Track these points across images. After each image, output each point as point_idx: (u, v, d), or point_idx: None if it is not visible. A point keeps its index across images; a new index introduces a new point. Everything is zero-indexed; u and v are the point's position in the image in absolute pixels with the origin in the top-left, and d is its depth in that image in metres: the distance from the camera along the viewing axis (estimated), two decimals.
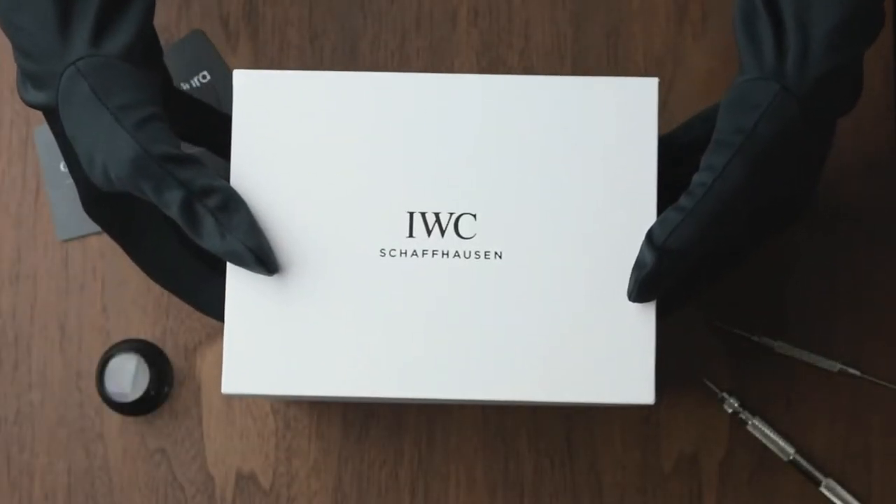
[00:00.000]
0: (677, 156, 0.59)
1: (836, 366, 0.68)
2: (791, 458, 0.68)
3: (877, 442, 0.68)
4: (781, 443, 0.68)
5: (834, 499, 0.67)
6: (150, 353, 0.69)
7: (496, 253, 0.54)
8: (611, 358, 0.54)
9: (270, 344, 0.55)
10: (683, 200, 0.52)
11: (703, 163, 0.53)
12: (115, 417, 0.69)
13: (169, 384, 0.69)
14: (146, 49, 0.57)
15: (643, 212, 0.54)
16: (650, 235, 0.52)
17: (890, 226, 0.70)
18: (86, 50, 0.53)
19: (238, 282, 0.55)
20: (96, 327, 0.70)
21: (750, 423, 0.68)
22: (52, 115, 0.55)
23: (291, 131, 0.55)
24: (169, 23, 0.72)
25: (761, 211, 0.55)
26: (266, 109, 0.56)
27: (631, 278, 0.53)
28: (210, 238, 0.52)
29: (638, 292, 0.53)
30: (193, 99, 0.63)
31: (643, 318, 0.54)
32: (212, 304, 0.57)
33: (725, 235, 0.53)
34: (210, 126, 0.63)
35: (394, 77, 0.56)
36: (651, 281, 0.52)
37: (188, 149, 0.69)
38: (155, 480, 0.69)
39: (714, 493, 0.68)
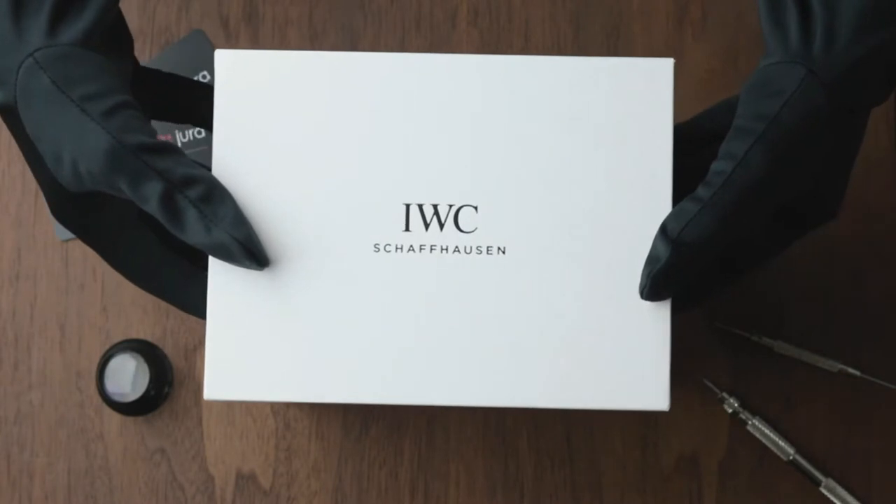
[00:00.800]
0: (697, 146, 0.54)
1: (836, 366, 0.67)
2: (791, 458, 0.66)
3: (877, 442, 0.67)
4: (781, 443, 0.66)
5: (834, 499, 0.66)
6: (150, 353, 0.68)
7: (499, 248, 0.50)
8: (622, 361, 0.50)
9: (256, 347, 0.50)
10: (700, 190, 0.48)
11: (721, 150, 0.49)
12: (115, 417, 0.68)
13: (169, 384, 0.69)
14: (110, 34, 0.52)
15: (658, 203, 0.50)
16: (664, 228, 0.48)
17: (890, 226, 0.69)
18: (43, 40, 0.49)
19: (220, 280, 0.50)
20: (96, 327, 0.69)
21: (750, 423, 0.67)
22: (10, 115, 0.50)
23: (278, 116, 0.51)
24: (169, 23, 0.71)
25: (784, 207, 0.51)
26: (251, 92, 0.51)
27: (643, 274, 0.49)
28: (194, 232, 0.48)
29: (650, 288, 0.49)
30: (171, 75, 0.58)
31: (657, 319, 0.50)
32: (198, 305, 0.52)
33: (745, 230, 0.49)
34: (194, 100, 0.57)
35: (389, 57, 0.51)
36: (664, 276, 0.48)
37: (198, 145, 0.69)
38: (155, 480, 0.68)
39: (714, 493, 0.67)
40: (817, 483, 0.67)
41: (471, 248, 0.50)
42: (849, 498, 0.66)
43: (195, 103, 0.56)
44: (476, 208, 0.50)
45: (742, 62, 0.70)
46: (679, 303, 0.51)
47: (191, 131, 0.71)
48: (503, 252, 0.50)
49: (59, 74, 0.48)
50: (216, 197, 0.48)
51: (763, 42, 0.51)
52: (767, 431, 0.67)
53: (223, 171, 0.50)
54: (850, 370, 0.67)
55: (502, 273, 0.50)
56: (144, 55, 0.70)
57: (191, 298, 0.53)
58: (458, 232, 0.50)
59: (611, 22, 0.71)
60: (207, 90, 0.53)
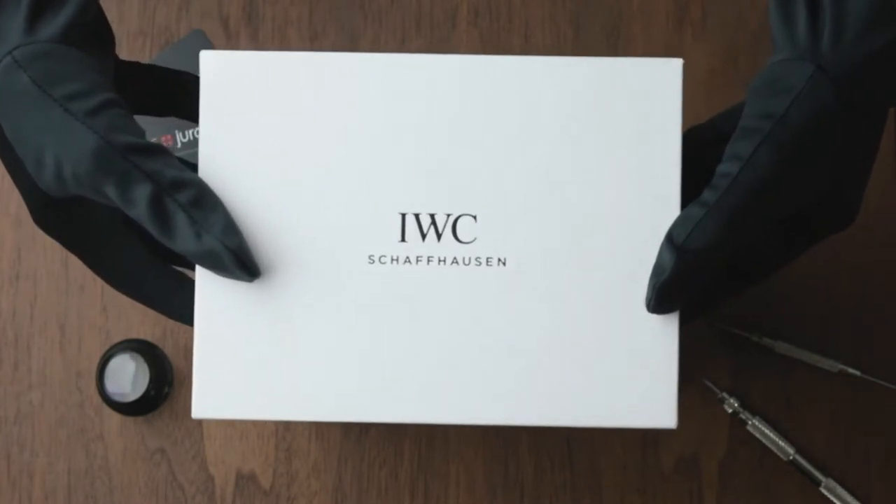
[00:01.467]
0: (713, 149, 0.50)
1: (836, 366, 0.66)
2: (791, 458, 0.65)
3: (877, 442, 0.66)
4: (781, 443, 0.66)
5: (834, 499, 0.65)
6: (150, 353, 0.66)
7: (499, 259, 0.47)
8: (627, 378, 0.47)
9: (246, 363, 0.47)
10: (706, 194, 0.45)
11: (727, 152, 0.46)
12: (115, 417, 0.68)
13: (169, 384, 0.68)
14: (90, 30, 0.49)
15: (666, 209, 0.47)
16: (670, 235, 0.45)
17: (890, 226, 0.69)
18: (21, 37, 0.46)
19: (208, 292, 0.47)
20: (96, 327, 0.68)
21: (750, 423, 0.66)
22: None
23: (268, 120, 0.47)
24: (169, 23, 0.70)
25: (797, 213, 0.48)
26: (239, 95, 0.48)
27: (649, 285, 0.46)
28: (183, 238, 0.45)
29: (657, 301, 0.46)
30: (152, 66, 0.54)
31: (664, 333, 0.47)
32: (187, 312, 0.49)
33: (753, 235, 0.46)
34: (178, 91, 0.53)
35: (384, 58, 0.48)
36: (671, 287, 0.45)
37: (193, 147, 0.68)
38: (155, 480, 0.68)
39: (714, 493, 0.67)
40: (817, 483, 0.66)
41: (470, 259, 0.47)
42: (849, 498, 0.66)
43: (179, 94, 0.52)
44: (475, 217, 0.47)
45: (742, 62, 0.70)
46: (686, 312, 0.48)
47: (190, 131, 0.70)
48: (503, 263, 0.47)
49: (40, 73, 0.45)
50: (207, 202, 0.45)
51: (766, 41, 0.50)
52: (767, 431, 0.66)
53: (210, 177, 0.47)
54: (850, 370, 0.66)
55: (502, 285, 0.47)
56: (144, 55, 0.70)
57: (179, 306, 0.50)
58: (457, 242, 0.47)
59: (611, 22, 0.70)
60: (191, 80, 0.50)
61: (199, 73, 0.49)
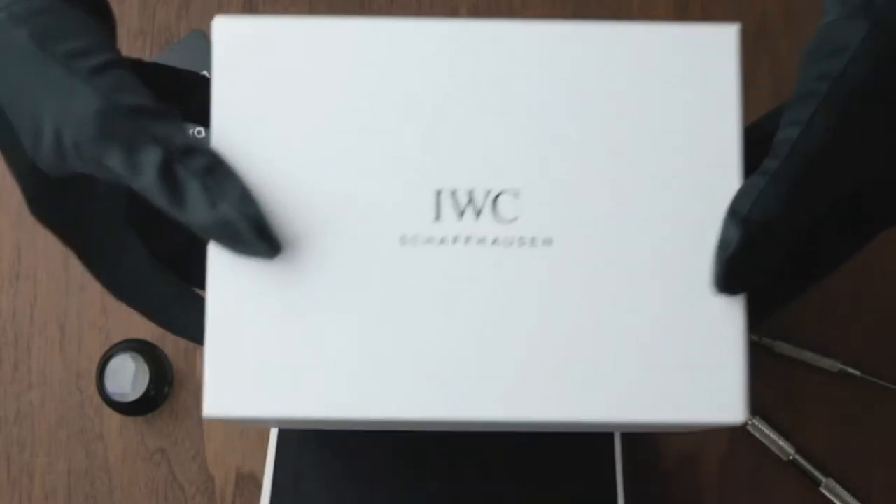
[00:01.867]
0: (760, 150, 0.46)
1: (836, 366, 0.66)
2: (791, 458, 0.65)
3: (877, 442, 0.66)
4: (781, 443, 0.65)
5: (834, 499, 0.65)
6: (150, 353, 0.66)
7: (544, 239, 0.42)
8: (690, 368, 0.42)
9: (264, 354, 0.42)
10: (767, 162, 0.42)
11: (784, 118, 0.42)
12: (115, 417, 0.67)
13: (169, 384, 0.67)
14: (91, 1, 0.44)
15: (725, 185, 0.43)
16: (732, 208, 0.42)
17: None
18: None
19: (222, 275, 0.42)
20: (96, 327, 0.68)
21: (750, 423, 0.66)
22: None
23: (287, 91, 0.43)
24: (169, 23, 0.71)
25: (859, 187, 0.45)
26: (254, 66, 0.43)
27: (715, 262, 0.42)
28: (195, 207, 0.40)
29: (725, 277, 0.42)
30: (155, 64, 0.49)
31: (730, 317, 0.42)
32: (188, 327, 0.45)
33: (819, 207, 0.42)
34: (182, 90, 0.48)
35: (415, 24, 0.43)
36: (739, 261, 0.41)
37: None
38: (155, 480, 0.67)
39: (714, 493, 0.66)
40: (817, 483, 0.66)
41: (512, 239, 0.42)
42: (849, 498, 0.66)
43: (183, 94, 0.47)
44: (517, 193, 0.42)
45: (742, 62, 0.70)
46: (751, 313, 0.44)
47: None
48: (549, 244, 0.42)
49: (38, 29, 0.41)
50: (221, 171, 0.41)
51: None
52: (767, 431, 0.66)
53: (224, 150, 0.42)
54: (850, 370, 0.66)
55: (548, 268, 0.42)
56: (144, 55, 0.70)
57: (183, 319, 0.46)
58: (497, 221, 0.42)
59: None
60: (198, 79, 0.47)
61: (199, 73, 0.47)
